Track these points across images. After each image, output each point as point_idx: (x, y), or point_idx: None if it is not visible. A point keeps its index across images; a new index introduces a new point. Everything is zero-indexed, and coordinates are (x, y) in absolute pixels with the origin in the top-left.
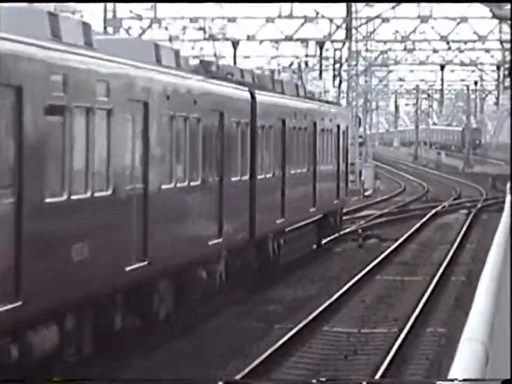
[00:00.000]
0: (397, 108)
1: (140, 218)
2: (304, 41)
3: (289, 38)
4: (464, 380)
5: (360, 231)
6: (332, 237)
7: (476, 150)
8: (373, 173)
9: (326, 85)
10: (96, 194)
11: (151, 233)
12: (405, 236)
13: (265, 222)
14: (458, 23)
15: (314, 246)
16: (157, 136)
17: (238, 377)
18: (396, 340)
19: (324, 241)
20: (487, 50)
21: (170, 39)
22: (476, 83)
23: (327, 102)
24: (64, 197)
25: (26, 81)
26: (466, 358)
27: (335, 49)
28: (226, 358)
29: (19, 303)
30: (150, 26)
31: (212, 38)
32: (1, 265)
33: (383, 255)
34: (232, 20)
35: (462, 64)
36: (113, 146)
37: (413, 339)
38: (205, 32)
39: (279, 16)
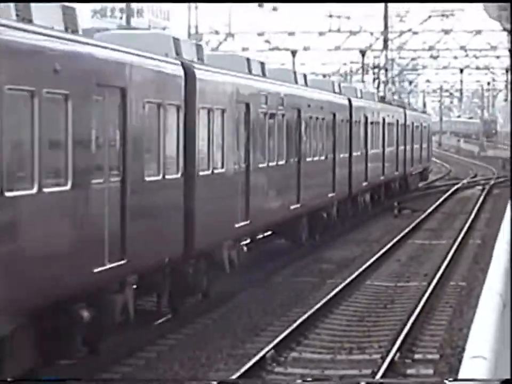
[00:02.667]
0: (424, 104)
1: None
2: (350, 50)
3: (337, 48)
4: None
5: (395, 203)
6: (424, 182)
7: (492, 138)
8: None
9: (367, 86)
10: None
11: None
12: (432, 207)
13: (404, 169)
14: (474, 35)
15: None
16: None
17: (297, 323)
18: (426, 291)
19: (421, 184)
20: (498, 57)
21: (243, 50)
22: (488, 83)
23: (423, 112)
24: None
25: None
26: (487, 306)
27: (375, 57)
28: (289, 306)
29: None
30: (225, 39)
31: (275, 48)
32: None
33: (414, 223)
34: (291, 33)
35: (477, 68)
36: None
37: (439, 291)
38: (269, 43)
39: (329, 30)
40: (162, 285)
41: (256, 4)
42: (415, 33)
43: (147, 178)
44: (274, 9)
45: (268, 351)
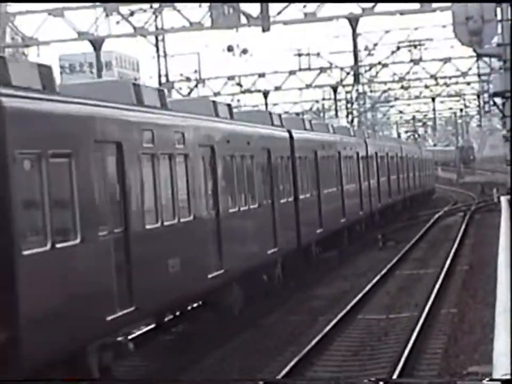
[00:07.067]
0: (399, 135)
1: None
2: (321, 87)
3: (309, 86)
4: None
5: (379, 236)
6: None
7: (469, 164)
8: None
9: (341, 121)
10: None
11: None
12: (416, 237)
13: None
14: (444, 63)
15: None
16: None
17: (293, 362)
18: (418, 321)
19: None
20: (468, 83)
21: (215, 94)
22: (461, 110)
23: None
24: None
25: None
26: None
27: (346, 92)
28: (283, 346)
29: (132, 308)
30: (196, 86)
31: (247, 91)
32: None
33: (400, 254)
34: (261, 75)
35: (449, 95)
36: None
37: (431, 319)
38: (241, 86)
39: (300, 69)
40: None
41: (225, 49)
42: (385, 65)
43: None
44: (244, 51)
45: None
